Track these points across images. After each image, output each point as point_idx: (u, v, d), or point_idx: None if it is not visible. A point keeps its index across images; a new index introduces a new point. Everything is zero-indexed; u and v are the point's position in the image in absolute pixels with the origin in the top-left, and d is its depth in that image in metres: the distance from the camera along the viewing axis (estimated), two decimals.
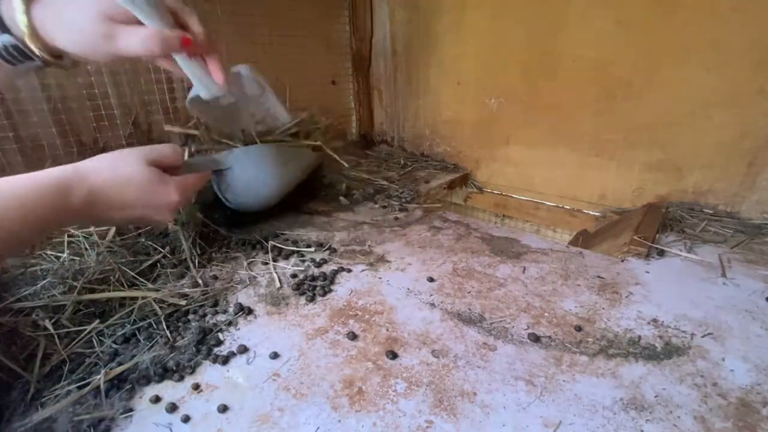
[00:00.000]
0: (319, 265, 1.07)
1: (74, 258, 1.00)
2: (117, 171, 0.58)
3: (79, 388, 0.67)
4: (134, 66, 1.30)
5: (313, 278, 1.00)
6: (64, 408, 0.63)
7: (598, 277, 1.01)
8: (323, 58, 1.95)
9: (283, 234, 1.24)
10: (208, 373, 0.72)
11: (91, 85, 1.22)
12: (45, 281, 0.92)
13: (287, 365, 0.73)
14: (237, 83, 1.08)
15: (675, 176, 1.42)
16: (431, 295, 0.94)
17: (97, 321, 0.81)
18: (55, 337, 0.77)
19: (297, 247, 1.15)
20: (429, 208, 1.48)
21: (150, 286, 0.94)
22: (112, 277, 0.93)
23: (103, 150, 1.28)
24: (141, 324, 0.81)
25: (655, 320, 0.85)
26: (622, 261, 1.09)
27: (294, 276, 1.02)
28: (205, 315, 0.86)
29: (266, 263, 1.07)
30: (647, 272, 1.03)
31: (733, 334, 0.80)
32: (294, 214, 1.39)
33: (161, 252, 1.05)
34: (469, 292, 0.95)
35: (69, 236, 1.08)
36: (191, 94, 1.03)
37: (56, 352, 0.73)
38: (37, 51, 0.55)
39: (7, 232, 0.48)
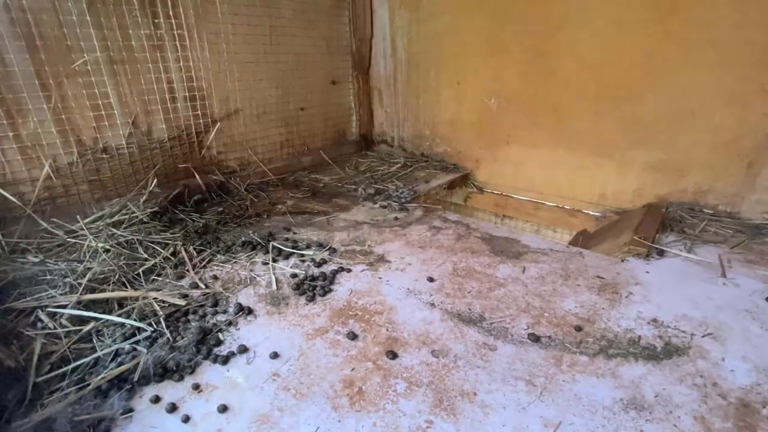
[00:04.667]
0: (319, 265, 1.07)
1: (76, 262, 1.00)
2: None
3: (79, 388, 0.67)
4: (134, 66, 1.30)
5: (313, 278, 1.00)
6: (64, 408, 0.63)
7: (598, 277, 1.01)
8: (323, 58, 1.95)
9: (283, 234, 1.24)
10: (208, 373, 0.72)
11: (91, 85, 1.22)
12: (46, 282, 0.92)
13: (287, 365, 0.73)
14: None
15: (675, 176, 1.42)
16: (431, 295, 0.94)
17: (97, 321, 0.81)
18: (55, 337, 0.77)
19: (297, 247, 1.15)
20: (429, 208, 1.48)
21: (150, 286, 0.94)
22: (112, 278, 0.93)
23: (104, 150, 1.28)
24: (141, 324, 0.81)
25: (655, 320, 0.85)
26: (622, 261, 1.09)
27: (294, 276, 1.02)
28: (205, 315, 0.86)
29: (266, 263, 1.07)
30: (647, 272, 1.03)
31: (733, 334, 0.80)
32: (294, 215, 1.39)
33: (161, 253, 1.05)
34: (469, 292, 0.95)
35: (71, 238, 1.08)
36: None
37: (56, 352, 0.73)
38: None
39: None
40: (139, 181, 1.38)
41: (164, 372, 0.71)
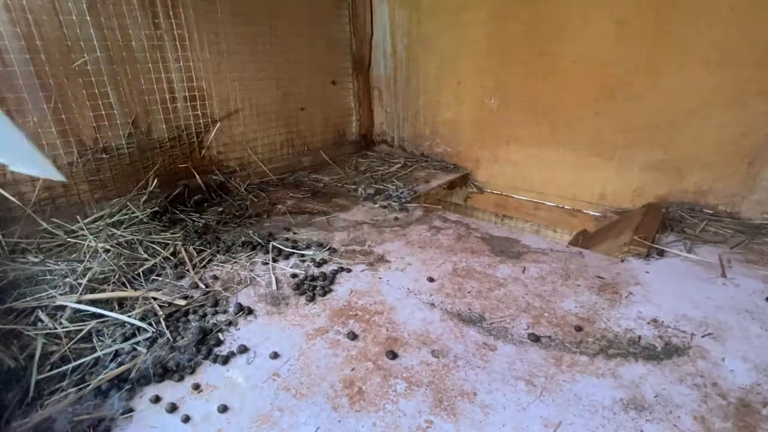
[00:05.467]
0: (319, 264, 1.07)
1: (76, 262, 1.00)
2: None
3: (79, 388, 0.67)
4: (134, 66, 1.30)
5: (313, 278, 1.00)
6: (64, 408, 0.63)
7: (598, 277, 1.01)
8: (323, 58, 1.95)
9: (283, 234, 1.24)
10: (208, 373, 0.72)
11: (91, 85, 1.22)
12: (46, 282, 0.92)
13: (287, 365, 0.73)
14: None
15: (675, 176, 1.42)
16: (431, 295, 0.94)
17: (97, 321, 0.81)
18: (56, 337, 0.77)
19: (297, 247, 1.15)
20: (429, 208, 1.48)
21: (150, 286, 0.94)
22: (112, 278, 0.93)
23: (104, 150, 1.28)
24: (141, 324, 0.81)
25: (655, 320, 0.85)
26: (622, 261, 1.09)
27: (294, 276, 1.02)
28: (205, 315, 0.86)
29: (266, 263, 1.07)
30: (647, 272, 1.03)
31: (733, 335, 0.80)
32: (292, 215, 1.39)
33: (161, 253, 1.05)
34: (469, 292, 0.95)
35: (71, 238, 1.08)
36: None
37: (56, 352, 0.73)
38: None
39: None
40: (139, 181, 1.37)
41: (164, 372, 0.71)
